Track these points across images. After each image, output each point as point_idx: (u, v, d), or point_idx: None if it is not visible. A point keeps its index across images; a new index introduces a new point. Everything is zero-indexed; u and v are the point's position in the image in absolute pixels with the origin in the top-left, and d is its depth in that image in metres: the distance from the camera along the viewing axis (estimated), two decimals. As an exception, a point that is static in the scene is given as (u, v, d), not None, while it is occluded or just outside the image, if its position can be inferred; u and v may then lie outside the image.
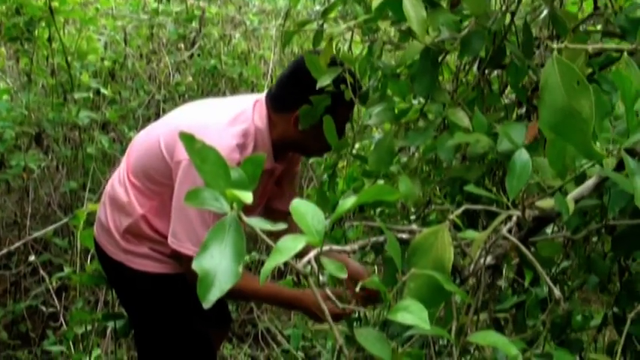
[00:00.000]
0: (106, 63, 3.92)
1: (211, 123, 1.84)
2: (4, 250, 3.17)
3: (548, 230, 1.51)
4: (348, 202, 0.91)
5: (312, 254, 0.92)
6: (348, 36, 1.84)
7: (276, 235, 0.84)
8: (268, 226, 0.84)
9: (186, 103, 2.16)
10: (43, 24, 3.34)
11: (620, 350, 1.16)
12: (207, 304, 0.78)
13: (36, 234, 3.25)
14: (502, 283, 1.88)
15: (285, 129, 1.89)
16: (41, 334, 3.14)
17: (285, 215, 2.13)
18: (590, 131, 0.89)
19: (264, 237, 0.87)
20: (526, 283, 1.49)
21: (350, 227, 2.12)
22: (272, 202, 2.12)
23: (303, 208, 0.89)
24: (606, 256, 1.55)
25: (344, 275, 0.94)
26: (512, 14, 1.45)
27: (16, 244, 3.22)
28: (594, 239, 1.61)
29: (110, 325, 2.45)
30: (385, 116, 1.56)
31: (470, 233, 1.13)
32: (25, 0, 3.25)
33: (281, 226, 0.84)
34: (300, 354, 3.08)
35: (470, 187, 1.20)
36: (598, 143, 1.02)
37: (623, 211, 1.26)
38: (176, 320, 2.03)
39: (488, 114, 1.56)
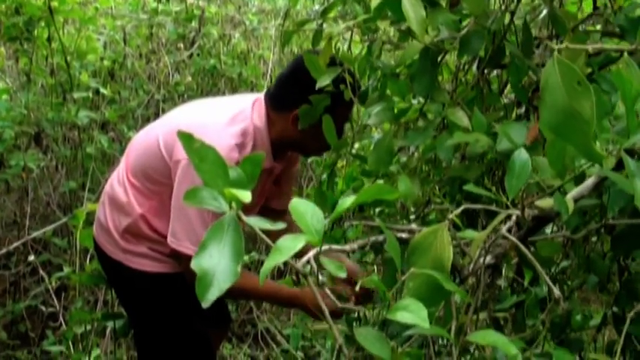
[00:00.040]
0: (106, 63, 3.92)
1: (210, 122, 1.84)
2: (4, 250, 3.17)
3: (548, 230, 1.51)
4: (347, 201, 0.91)
5: (311, 254, 0.92)
6: (347, 36, 1.84)
7: (274, 235, 0.84)
8: (267, 225, 0.85)
9: (186, 102, 2.16)
10: (43, 24, 3.33)
11: (619, 350, 1.16)
12: (206, 304, 0.78)
13: (35, 234, 3.25)
14: (501, 282, 1.88)
15: (284, 128, 1.89)
16: (41, 334, 3.14)
17: (282, 214, 2.14)
18: (592, 132, 0.89)
19: (264, 236, 0.87)
20: (525, 283, 1.48)
21: (349, 227, 2.12)
22: (270, 202, 2.13)
23: (302, 208, 0.89)
24: (606, 255, 1.55)
25: (343, 275, 0.94)
26: (512, 14, 1.45)
27: (16, 244, 3.22)
28: (594, 239, 1.60)
29: (110, 324, 2.45)
30: (384, 116, 1.56)
31: (469, 233, 1.13)
32: (25, -1, 3.25)
33: (280, 225, 0.84)
34: (300, 354, 3.08)
35: (469, 187, 1.20)
36: (597, 143, 1.01)
37: (622, 210, 1.26)
38: (175, 320, 2.03)
39: (488, 113, 1.56)
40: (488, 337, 0.98)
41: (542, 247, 1.33)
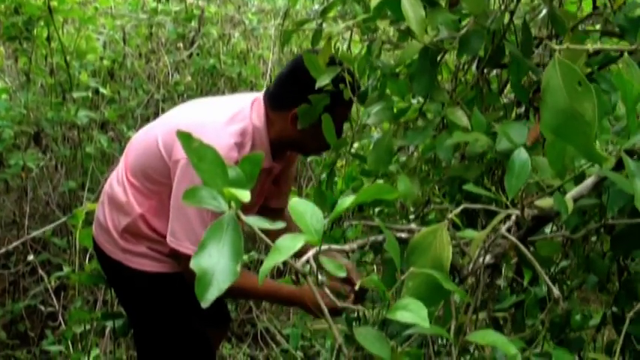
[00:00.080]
0: (105, 62, 3.91)
1: (209, 122, 1.84)
2: (3, 250, 3.17)
3: (547, 229, 1.51)
4: (346, 201, 0.91)
5: (310, 253, 0.92)
6: (347, 35, 1.84)
7: (273, 234, 0.84)
8: (267, 224, 0.84)
9: (185, 102, 2.16)
10: (42, 23, 3.33)
11: (618, 350, 1.16)
12: (205, 304, 0.78)
13: (34, 233, 3.25)
14: (501, 282, 1.88)
15: (283, 127, 1.89)
16: (40, 333, 3.14)
17: (280, 213, 2.14)
18: (593, 133, 0.89)
19: (263, 236, 0.87)
20: (525, 283, 1.48)
21: (349, 226, 2.12)
22: (269, 201, 2.13)
23: (301, 208, 0.89)
24: (605, 255, 1.55)
25: (343, 274, 0.94)
26: (511, 13, 1.45)
27: (15, 244, 3.22)
28: (593, 238, 1.60)
29: (109, 324, 2.45)
30: (384, 115, 1.56)
31: (469, 232, 1.13)
32: (24, -1, 3.25)
33: (280, 225, 0.84)
34: (299, 353, 3.08)
35: (469, 187, 1.20)
36: (597, 143, 1.01)
37: (622, 210, 1.26)
38: (174, 319, 2.03)
39: (487, 113, 1.56)
40: (487, 336, 0.98)
41: (541, 246, 1.33)
